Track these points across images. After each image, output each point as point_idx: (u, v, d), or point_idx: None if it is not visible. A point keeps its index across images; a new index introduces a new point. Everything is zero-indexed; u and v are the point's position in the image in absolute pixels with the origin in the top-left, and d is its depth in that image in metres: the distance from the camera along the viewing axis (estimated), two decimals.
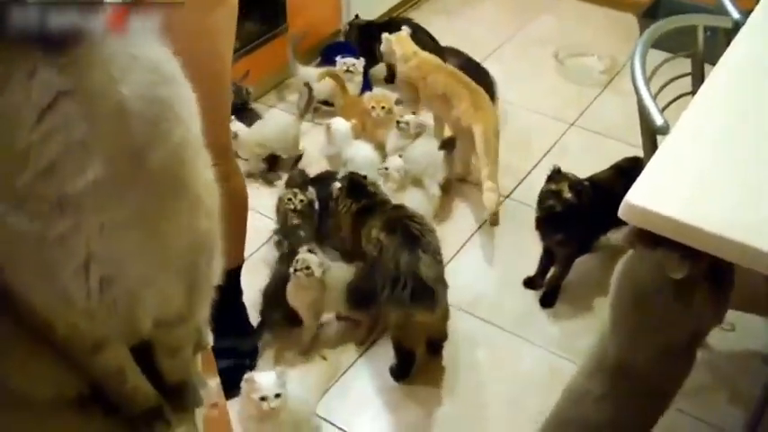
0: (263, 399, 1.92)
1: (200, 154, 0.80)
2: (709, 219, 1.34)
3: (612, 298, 1.59)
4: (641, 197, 1.40)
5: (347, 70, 3.16)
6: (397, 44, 3.11)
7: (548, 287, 2.55)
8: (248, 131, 2.93)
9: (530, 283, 2.59)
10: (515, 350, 2.41)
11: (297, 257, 2.25)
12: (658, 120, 1.70)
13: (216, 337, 2.18)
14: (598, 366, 1.61)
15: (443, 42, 3.41)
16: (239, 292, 2.31)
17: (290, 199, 2.53)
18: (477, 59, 3.58)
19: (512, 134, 3.16)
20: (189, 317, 0.90)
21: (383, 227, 2.28)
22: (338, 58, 3.23)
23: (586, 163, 2.66)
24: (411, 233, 2.23)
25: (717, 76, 1.75)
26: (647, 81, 1.82)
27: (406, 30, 3.17)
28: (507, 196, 2.92)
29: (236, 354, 2.26)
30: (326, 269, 2.27)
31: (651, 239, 1.41)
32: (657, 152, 1.54)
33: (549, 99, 3.45)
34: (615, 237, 1.57)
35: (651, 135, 1.80)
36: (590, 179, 2.46)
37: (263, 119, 3.10)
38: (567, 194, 2.32)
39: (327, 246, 2.61)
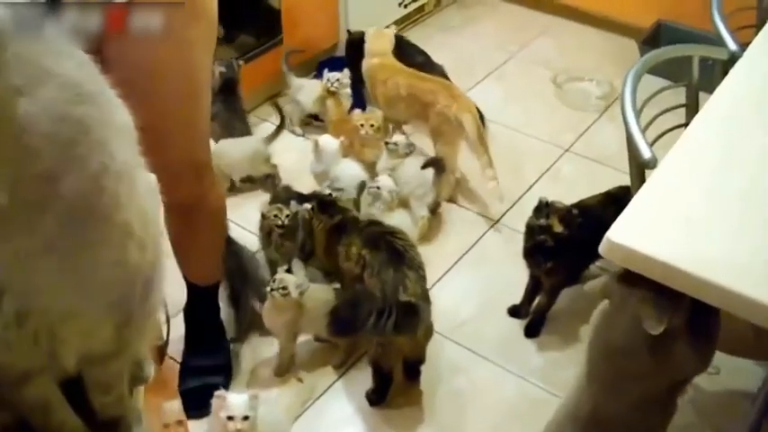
0: (230, 418, 1.87)
1: (132, 182, 0.74)
2: (695, 260, 1.27)
3: (588, 348, 1.52)
4: (623, 235, 1.33)
5: (333, 85, 3.10)
6: (373, 37, 3.05)
7: (533, 316, 2.49)
8: (213, 149, 2.83)
9: (514, 311, 2.53)
10: (497, 379, 2.34)
11: (274, 277, 2.20)
12: (646, 153, 1.64)
13: (190, 355, 2.18)
14: (573, 414, 1.55)
15: (440, 60, 3.36)
16: (216, 310, 2.26)
17: (275, 215, 2.47)
18: (476, 79, 3.55)
19: (505, 157, 3.09)
20: (120, 353, 0.85)
21: (365, 244, 2.24)
22: (325, 72, 3.17)
23: (580, 190, 2.59)
24: (395, 249, 2.18)
25: (709, 109, 1.69)
26: (638, 111, 1.76)
27: (392, 29, 3.12)
28: (497, 221, 2.87)
29: (209, 373, 2.21)
30: (304, 290, 2.21)
31: (631, 279, 1.36)
32: (643, 187, 1.48)
33: (545, 123, 3.39)
34: (590, 286, 1.50)
35: (639, 168, 1.75)
36: (579, 205, 2.39)
37: (250, 134, 3.06)
38: (558, 229, 2.27)
39: (311, 265, 2.56)
